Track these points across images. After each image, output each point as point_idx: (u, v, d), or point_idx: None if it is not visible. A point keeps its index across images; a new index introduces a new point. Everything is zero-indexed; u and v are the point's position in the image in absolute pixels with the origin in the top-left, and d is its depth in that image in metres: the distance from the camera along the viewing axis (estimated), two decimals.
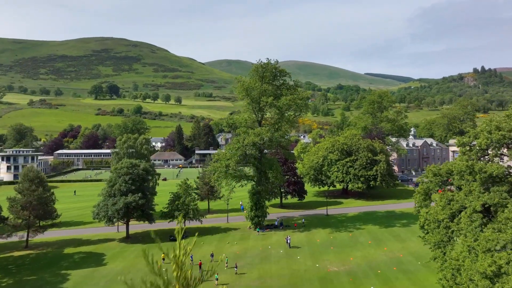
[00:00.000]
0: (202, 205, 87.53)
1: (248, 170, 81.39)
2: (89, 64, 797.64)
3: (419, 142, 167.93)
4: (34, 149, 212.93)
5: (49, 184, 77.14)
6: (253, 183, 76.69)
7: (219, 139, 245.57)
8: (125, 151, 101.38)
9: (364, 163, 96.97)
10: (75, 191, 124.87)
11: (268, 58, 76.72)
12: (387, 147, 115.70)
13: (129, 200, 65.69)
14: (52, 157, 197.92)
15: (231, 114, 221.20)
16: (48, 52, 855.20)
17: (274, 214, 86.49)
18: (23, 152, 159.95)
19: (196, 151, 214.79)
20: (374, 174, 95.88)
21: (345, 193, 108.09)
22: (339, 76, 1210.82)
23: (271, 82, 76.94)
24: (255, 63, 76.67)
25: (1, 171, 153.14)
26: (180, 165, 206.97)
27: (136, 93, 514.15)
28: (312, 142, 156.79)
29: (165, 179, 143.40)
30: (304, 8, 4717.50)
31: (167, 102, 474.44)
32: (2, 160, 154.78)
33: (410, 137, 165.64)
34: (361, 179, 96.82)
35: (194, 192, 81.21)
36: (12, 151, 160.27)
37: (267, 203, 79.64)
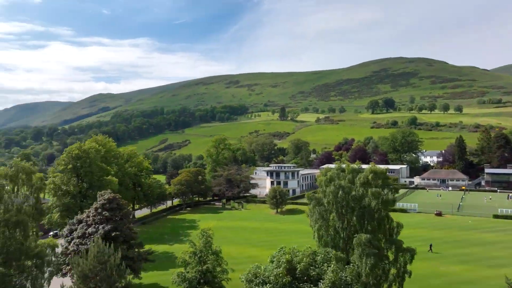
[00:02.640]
0: None
1: None
2: (370, 83, 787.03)
3: None
4: (308, 161, 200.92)
5: None
6: None
7: None
8: None
9: None
10: None
11: None
12: None
13: None
14: (318, 171, 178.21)
15: None
16: (336, 78, 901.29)
17: None
18: (284, 168, 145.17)
19: (486, 170, 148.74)
20: None
21: None
22: None
23: None
24: None
25: (267, 186, 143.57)
26: (463, 187, 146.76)
27: (411, 105, 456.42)
28: None
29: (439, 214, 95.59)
30: None
31: (445, 112, 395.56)
32: (267, 175, 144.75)
33: None
34: None
35: None
36: (275, 167, 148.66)
37: None
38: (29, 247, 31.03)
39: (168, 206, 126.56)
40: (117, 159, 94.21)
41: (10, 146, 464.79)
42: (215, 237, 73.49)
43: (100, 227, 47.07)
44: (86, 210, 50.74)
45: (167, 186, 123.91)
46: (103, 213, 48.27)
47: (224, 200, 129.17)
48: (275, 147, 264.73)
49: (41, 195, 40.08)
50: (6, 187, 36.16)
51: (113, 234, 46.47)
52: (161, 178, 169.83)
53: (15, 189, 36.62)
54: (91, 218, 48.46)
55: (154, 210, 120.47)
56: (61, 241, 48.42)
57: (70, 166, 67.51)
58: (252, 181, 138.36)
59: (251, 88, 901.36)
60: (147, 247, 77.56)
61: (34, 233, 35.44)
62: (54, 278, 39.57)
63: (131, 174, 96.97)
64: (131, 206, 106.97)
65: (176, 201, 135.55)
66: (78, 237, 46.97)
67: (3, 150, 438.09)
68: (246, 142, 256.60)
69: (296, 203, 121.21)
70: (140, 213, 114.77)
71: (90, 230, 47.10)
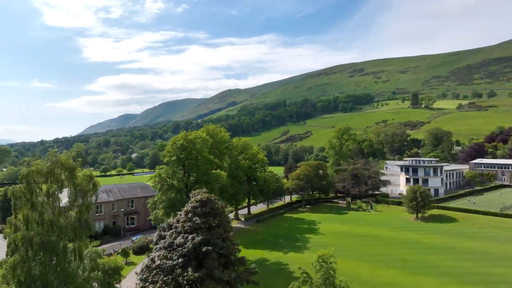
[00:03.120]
0: None
1: None
2: None
3: None
4: (451, 155, 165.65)
5: None
6: None
7: None
8: None
9: None
10: None
11: None
12: None
13: None
14: (467, 167, 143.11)
15: None
16: (482, 57, 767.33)
17: None
18: (423, 163, 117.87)
19: None
20: None
21: None
22: None
23: None
24: None
25: (400, 183, 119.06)
26: None
27: None
28: None
29: None
30: None
31: None
32: (401, 171, 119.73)
33: None
34: None
35: None
36: (411, 161, 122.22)
37: None
38: (68, 275, 21.66)
39: (286, 202, 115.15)
40: (230, 150, 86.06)
41: (155, 138, 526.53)
42: (337, 247, 57.85)
43: (190, 237, 36.47)
44: (179, 212, 41.15)
45: (284, 181, 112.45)
46: (194, 219, 37.59)
47: (349, 199, 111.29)
48: (408, 138, 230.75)
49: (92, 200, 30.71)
50: (42, 189, 28.05)
51: (204, 249, 35.23)
52: (281, 170, 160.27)
53: (53, 192, 28.16)
54: (180, 224, 38.33)
55: (270, 206, 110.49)
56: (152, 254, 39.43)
57: (174, 158, 60.69)
58: (383, 178, 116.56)
59: (377, 75, 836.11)
60: (257, 253, 66.69)
61: (77, 254, 26.74)
62: None
63: (245, 167, 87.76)
64: (246, 201, 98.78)
65: (294, 196, 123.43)
66: (165, 248, 37.31)
67: (150, 141, 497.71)
68: (372, 132, 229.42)
69: (443, 208, 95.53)
70: (255, 209, 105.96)
71: (178, 240, 36.97)
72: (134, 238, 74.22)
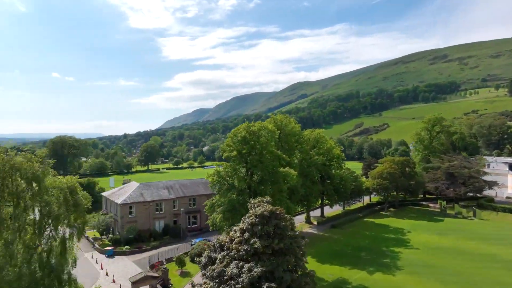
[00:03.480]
0: None
1: None
2: None
3: None
4: None
5: None
6: None
7: None
8: None
9: None
10: None
11: None
12: None
13: None
14: None
15: None
16: None
17: None
18: None
19: None
20: None
21: None
22: None
23: None
24: None
25: (509, 184, 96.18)
26: None
27: None
28: None
29: None
30: None
31: None
32: (509, 169, 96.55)
33: None
34: None
35: None
36: None
37: None
38: None
39: (365, 204, 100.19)
40: (300, 144, 74.18)
41: (225, 131, 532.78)
42: (439, 270, 44.27)
43: (246, 267, 25.89)
44: (236, 228, 30.80)
45: (363, 179, 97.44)
46: (252, 241, 26.89)
47: (443, 202, 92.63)
48: (509, 130, 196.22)
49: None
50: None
51: (265, 286, 24.34)
52: (356, 166, 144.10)
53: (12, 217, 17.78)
54: (234, 246, 27.92)
55: (347, 207, 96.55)
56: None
57: (235, 152, 50.85)
58: (486, 178, 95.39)
59: (463, 61, 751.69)
60: (334, 270, 53.55)
61: None
62: None
63: (319, 164, 75.25)
64: (320, 202, 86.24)
65: (374, 197, 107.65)
66: (213, 278, 27.20)
67: (221, 135, 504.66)
68: (464, 124, 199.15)
69: None
70: (330, 210, 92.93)
71: (231, 269, 26.60)
72: (194, 242, 66.61)
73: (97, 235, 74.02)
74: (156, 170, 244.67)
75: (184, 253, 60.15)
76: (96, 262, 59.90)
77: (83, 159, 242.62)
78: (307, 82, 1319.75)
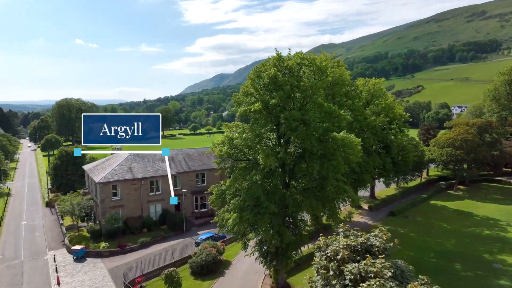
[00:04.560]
0: None
1: None
2: None
3: None
4: None
5: None
6: None
7: None
8: None
9: None
10: None
11: None
12: None
13: None
14: None
15: None
16: None
17: None
18: None
19: None
20: None
21: None
22: None
23: None
24: None
25: None
26: None
27: None
28: None
29: None
30: None
31: None
32: None
33: None
34: None
35: None
36: None
37: None
38: None
39: (423, 180, 77.07)
40: (351, 99, 51.04)
41: None
42: None
43: None
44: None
45: (424, 148, 73.68)
46: None
47: None
48: None
49: None
50: None
51: None
52: None
53: None
54: None
55: (402, 184, 73.94)
56: None
57: (258, 105, 27.58)
58: None
59: (505, 18, 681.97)
60: None
61: None
62: None
63: (377, 128, 52.12)
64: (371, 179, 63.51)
65: (432, 169, 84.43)
66: None
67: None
68: None
69: None
70: (380, 188, 70.46)
71: None
72: (200, 238, 46.28)
73: (77, 222, 54.77)
74: (172, 136, 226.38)
75: (184, 259, 40.03)
76: (56, 270, 40.52)
77: None
78: (331, 44, 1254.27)
